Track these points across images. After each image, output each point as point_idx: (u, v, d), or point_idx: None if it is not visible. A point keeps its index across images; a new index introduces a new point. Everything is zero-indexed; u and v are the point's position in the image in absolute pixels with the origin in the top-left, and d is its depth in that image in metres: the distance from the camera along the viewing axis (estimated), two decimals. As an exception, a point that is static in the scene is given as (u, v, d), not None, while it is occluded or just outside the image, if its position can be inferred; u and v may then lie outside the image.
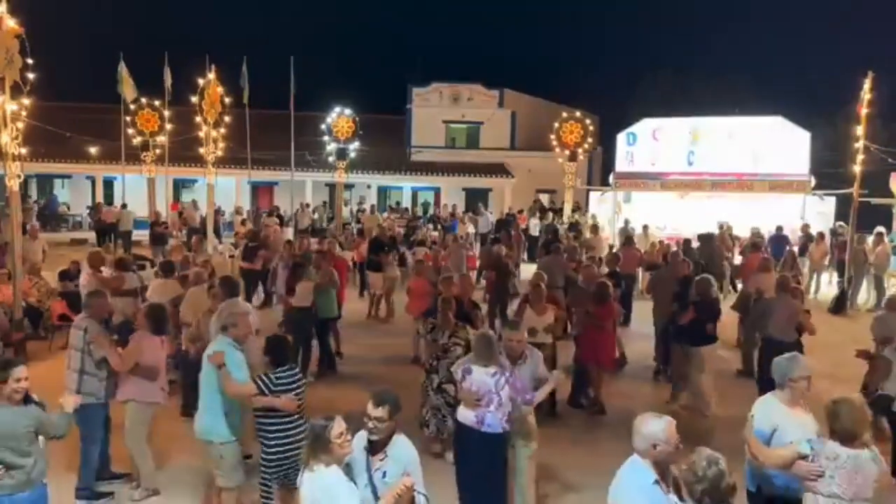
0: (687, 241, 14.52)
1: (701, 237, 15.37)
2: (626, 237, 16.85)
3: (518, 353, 5.47)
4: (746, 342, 10.23)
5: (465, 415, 5.19)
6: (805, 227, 18.45)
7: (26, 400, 4.31)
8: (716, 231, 18.15)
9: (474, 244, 20.66)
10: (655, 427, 3.46)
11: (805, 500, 3.99)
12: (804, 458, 3.92)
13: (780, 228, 17.91)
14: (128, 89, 23.12)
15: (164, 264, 9.56)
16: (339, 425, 3.56)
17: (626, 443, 3.57)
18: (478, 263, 15.47)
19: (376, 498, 3.71)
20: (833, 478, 3.83)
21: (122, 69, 23.22)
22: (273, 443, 5.04)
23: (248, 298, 12.13)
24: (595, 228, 19.11)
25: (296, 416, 5.06)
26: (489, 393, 5.08)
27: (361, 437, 3.85)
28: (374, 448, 3.84)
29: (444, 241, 16.87)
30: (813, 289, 16.62)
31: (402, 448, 3.88)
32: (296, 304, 9.22)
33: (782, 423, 4.33)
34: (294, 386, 5.10)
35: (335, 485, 3.49)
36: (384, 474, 3.79)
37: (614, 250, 14.36)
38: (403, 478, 3.72)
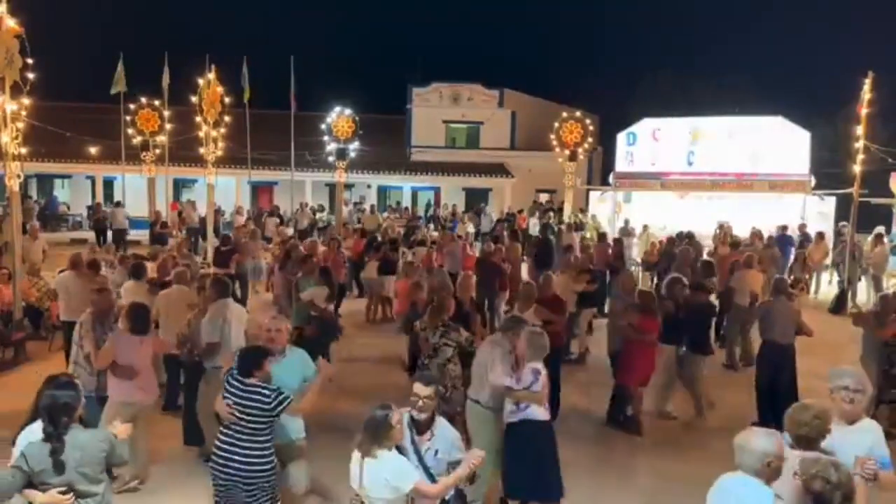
0: (671, 240, 14.71)
1: (678, 236, 15.63)
2: (600, 234, 16.88)
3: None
4: (729, 336, 10.79)
5: (538, 412, 5.30)
6: (802, 227, 18.46)
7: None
8: (716, 230, 18.23)
9: (474, 244, 20.66)
10: (766, 443, 3.32)
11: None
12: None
13: (784, 228, 17.91)
14: (118, 83, 23.15)
15: (135, 266, 9.04)
16: (397, 412, 3.77)
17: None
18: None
19: (429, 475, 3.91)
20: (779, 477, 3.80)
21: (121, 68, 23.26)
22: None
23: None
24: (570, 227, 19.15)
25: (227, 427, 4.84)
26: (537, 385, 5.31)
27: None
28: (421, 429, 4.02)
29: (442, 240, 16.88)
30: (813, 289, 16.63)
31: (446, 427, 4.12)
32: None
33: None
34: (242, 401, 4.76)
35: (403, 463, 3.75)
36: (436, 452, 3.99)
37: (590, 249, 14.27)
38: (474, 451, 3.95)
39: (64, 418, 3.64)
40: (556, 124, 22.30)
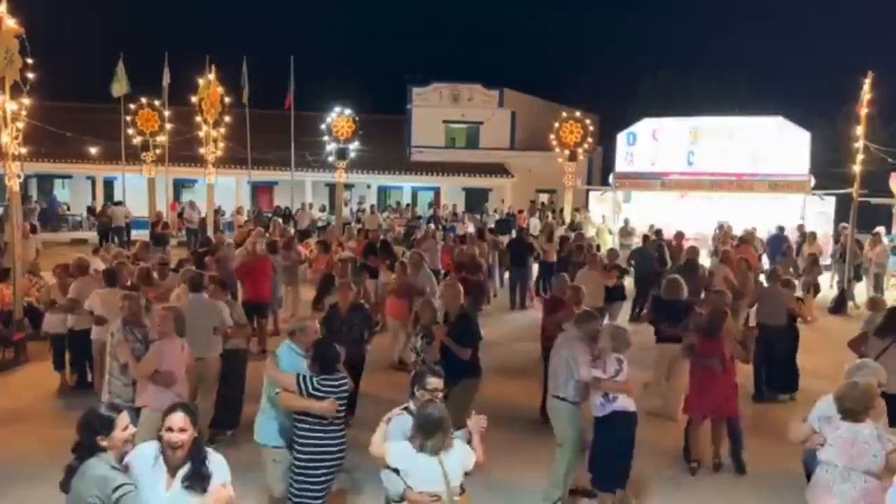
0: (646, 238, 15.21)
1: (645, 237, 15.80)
2: (549, 232, 16.95)
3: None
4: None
5: (627, 402, 5.45)
6: (801, 227, 18.46)
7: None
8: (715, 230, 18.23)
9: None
10: None
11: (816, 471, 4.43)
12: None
13: (781, 228, 17.91)
14: (118, 85, 23.17)
15: (107, 272, 8.45)
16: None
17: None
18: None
19: None
20: (832, 447, 4.26)
21: (120, 67, 23.28)
22: (306, 448, 4.81)
23: None
24: (548, 226, 19.20)
25: (332, 422, 4.81)
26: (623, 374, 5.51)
27: (405, 419, 4.10)
28: None
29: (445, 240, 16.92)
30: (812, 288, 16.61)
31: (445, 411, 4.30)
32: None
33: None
34: (337, 392, 4.80)
35: (463, 444, 3.94)
36: None
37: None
38: (476, 418, 4.10)
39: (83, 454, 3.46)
40: (556, 124, 22.29)
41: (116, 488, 3.23)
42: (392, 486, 4.14)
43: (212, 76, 18.05)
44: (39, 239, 17.07)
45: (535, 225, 22.94)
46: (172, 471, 3.44)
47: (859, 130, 15.28)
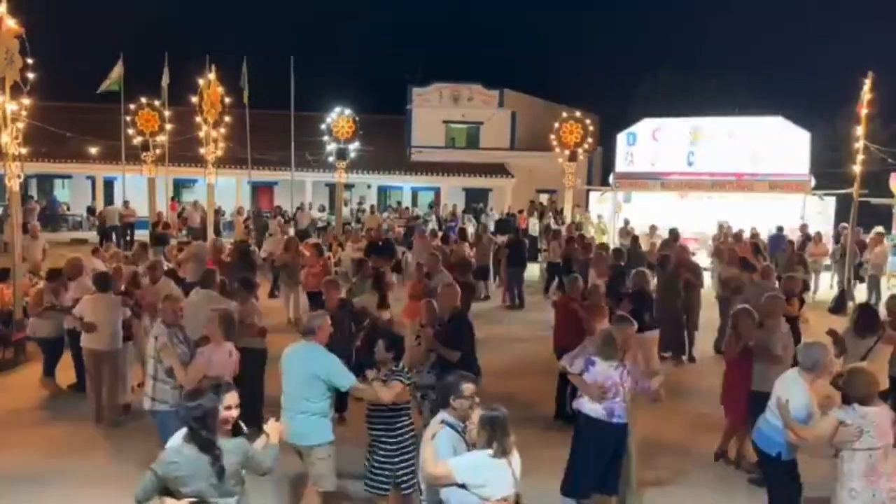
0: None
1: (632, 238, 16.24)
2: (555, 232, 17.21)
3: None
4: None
5: (593, 408, 5.46)
6: (803, 227, 18.46)
7: (235, 430, 3.77)
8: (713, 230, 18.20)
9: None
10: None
11: (842, 458, 4.57)
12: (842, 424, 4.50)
13: (780, 228, 17.91)
14: (112, 83, 23.19)
15: (99, 277, 8.11)
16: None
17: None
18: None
19: None
20: (869, 432, 4.45)
21: (118, 68, 23.30)
22: (397, 439, 5.06)
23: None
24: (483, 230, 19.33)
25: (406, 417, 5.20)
26: (615, 385, 5.39)
27: (449, 433, 4.02)
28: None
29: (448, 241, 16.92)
30: (812, 288, 16.61)
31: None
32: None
33: (812, 405, 4.89)
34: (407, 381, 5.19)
35: None
36: None
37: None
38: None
39: (209, 424, 3.55)
40: (556, 124, 22.29)
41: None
42: (459, 502, 3.83)
43: (212, 76, 18.04)
44: (45, 239, 17.08)
45: (534, 225, 22.95)
46: None
47: (859, 130, 15.27)
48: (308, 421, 5.03)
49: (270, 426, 3.95)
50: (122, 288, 8.75)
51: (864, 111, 15.15)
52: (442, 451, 3.88)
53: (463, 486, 3.71)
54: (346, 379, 5.00)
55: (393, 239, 18.18)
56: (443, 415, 4.12)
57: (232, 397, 3.70)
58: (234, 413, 3.71)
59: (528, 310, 14.45)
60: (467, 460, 3.77)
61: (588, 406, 5.49)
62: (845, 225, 17.02)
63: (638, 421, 5.82)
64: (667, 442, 7.31)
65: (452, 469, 3.72)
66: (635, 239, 15.93)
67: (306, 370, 5.02)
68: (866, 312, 7.08)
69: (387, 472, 5.03)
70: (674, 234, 15.27)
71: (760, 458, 5.35)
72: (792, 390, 4.93)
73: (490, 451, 3.68)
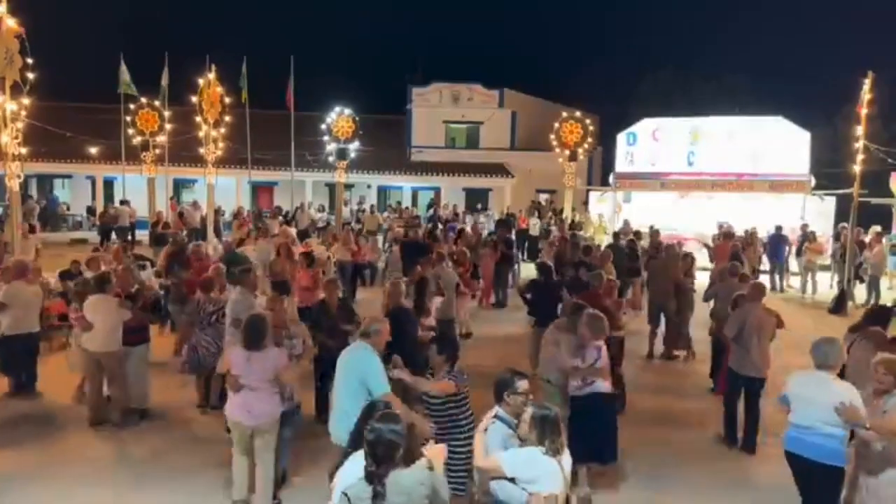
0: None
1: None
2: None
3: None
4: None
5: (604, 385, 5.93)
6: (804, 227, 18.47)
7: (410, 457, 3.43)
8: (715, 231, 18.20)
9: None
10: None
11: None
12: None
13: (779, 228, 17.92)
14: (125, 84, 23.27)
15: (98, 278, 7.81)
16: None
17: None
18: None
19: None
20: None
21: (123, 70, 23.32)
22: (465, 440, 4.94)
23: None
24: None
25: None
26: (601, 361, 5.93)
27: (500, 426, 4.10)
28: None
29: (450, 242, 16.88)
30: (810, 288, 16.62)
31: None
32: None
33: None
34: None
35: None
36: None
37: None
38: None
39: (387, 457, 3.27)
40: (556, 124, 22.29)
41: None
42: (507, 495, 3.89)
43: (212, 76, 18.04)
44: (39, 238, 17.07)
45: (535, 225, 22.95)
46: None
47: (859, 130, 15.26)
48: (349, 421, 5.05)
49: (433, 450, 3.66)
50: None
51: (864, 111, 15.14)
52: (493, 444, 3.98)
53: (512, 480, 3.77)
54: (379, 386, 4.96)
55: (392, 239, 18.19)
56: (496, 409, 4.23)
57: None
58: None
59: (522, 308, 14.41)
60: (519, 455, 3.82)
61: (600, 385, 5.93)
62: (845, 225, 17.03)
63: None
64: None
65: (503, 463, 3.79)
66: (637, 235, 16.43)
67: (350, 370, 5.10)
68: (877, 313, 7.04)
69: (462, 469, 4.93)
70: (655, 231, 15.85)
71: (822, 472, 4.94)
72: (837, 390, 4.79)
73: (542, 449, 3.75)
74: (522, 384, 4.20)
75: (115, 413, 7.48)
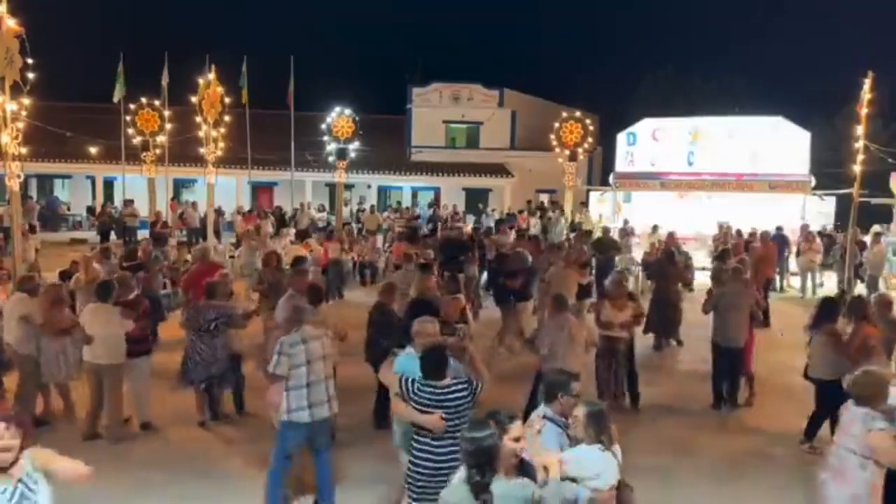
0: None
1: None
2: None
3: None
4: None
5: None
6: (804, 227, 18.45)
7: (521, 468, 3.36)
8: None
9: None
10: None
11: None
12: None
13: (780, 228, 17.90)
14: (120, 89, 23.25)
15: (100, 286, 7.44)
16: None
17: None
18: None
19: None
20: None
21: (120, 69, 23.31)
22: (416, 460, 4.43)
23: None
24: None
25: (441, 437, 4.34)
26: None
27: (552, 427, 4.13)
28: None
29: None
30: (809, 288, 16.61)
31: None
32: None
33: None
34: (439, 402, 4.36)
35: None
36: None
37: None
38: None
39: (489, 463, 3.19)
40: (556, 124, 22.28)
41: None
42: (572, 494, 3.79)
43: (212, 76, 18.02)
44: (39, 238, 17.06)
45: (535, 225, 22.94)
46: None
47: (859, 130, 15.24)
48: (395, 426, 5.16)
49: (548, 459, 3.55)
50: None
51: (864, 111, 15.12)
52: (549, 446, 3.97)
53: (572, 480, 3.75)
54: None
55: (391, 239, 18.16)
56: (542, 409, 4.21)
57: (517, 428, 3.31)
58: (522, 445, 3.34)
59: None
60: (579, 455, 3.83)
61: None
62: (838, 224, 17.04)
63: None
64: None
65: (566, 464, 3.73)
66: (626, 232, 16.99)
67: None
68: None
69: None
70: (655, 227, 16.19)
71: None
72: None
73: (600, 446, 3.80)
74: (576, 385, 4.24)
75: (109, 427, 7.12)
